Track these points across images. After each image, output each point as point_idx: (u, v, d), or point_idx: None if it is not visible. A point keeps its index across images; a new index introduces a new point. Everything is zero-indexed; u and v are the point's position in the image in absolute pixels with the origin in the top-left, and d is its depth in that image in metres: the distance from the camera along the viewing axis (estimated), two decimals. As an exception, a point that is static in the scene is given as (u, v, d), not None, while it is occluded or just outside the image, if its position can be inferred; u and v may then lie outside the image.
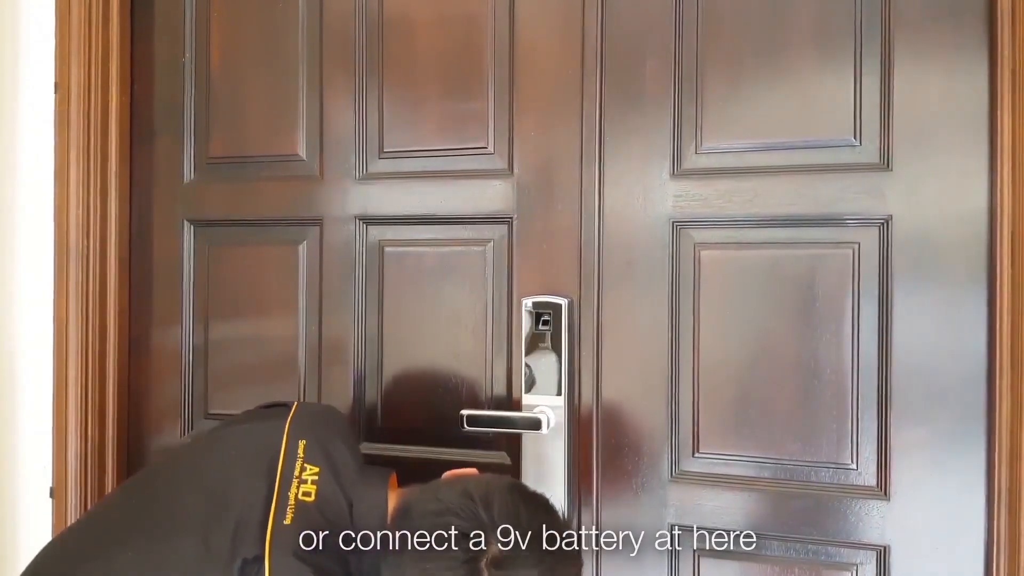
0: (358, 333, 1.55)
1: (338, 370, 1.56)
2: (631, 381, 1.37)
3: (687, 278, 1.35)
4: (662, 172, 1.36)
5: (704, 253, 1.35)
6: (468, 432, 1.43)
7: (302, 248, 1.60)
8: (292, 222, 1.59)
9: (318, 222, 1.58)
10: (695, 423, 1.34)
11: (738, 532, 1.31)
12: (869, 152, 1.27)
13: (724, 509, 1.32)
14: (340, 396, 1.56)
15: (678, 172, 1.36)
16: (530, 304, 1.40)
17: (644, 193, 1.37)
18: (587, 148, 1.40)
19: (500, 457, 1.45)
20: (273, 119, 1.61)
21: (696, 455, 1.34)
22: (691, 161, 1.35)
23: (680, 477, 1.35)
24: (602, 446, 1.38)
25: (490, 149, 1.46)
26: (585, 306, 1.39)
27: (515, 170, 1.45)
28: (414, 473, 1.50)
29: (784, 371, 1.30)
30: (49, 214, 1.65)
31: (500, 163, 1.46)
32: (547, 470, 1.38)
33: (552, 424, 1.36)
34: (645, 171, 1.37)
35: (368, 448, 1.54)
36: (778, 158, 1.31)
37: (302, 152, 1.60)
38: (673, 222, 1.36)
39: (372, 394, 1.54)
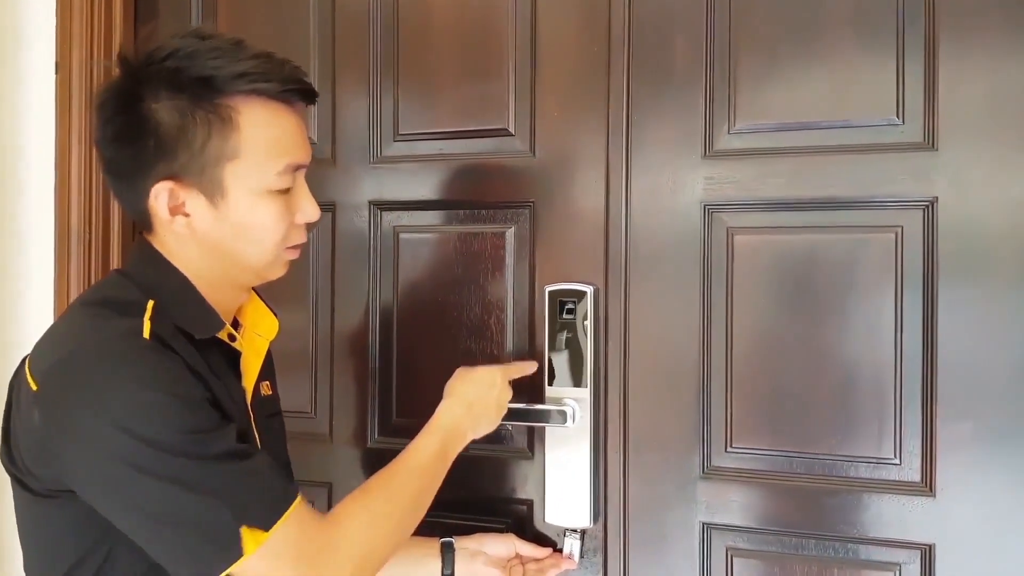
0: (372, 324, 1.49)
1: (352, 363, 1.50)
2: (660, 372, 1.31)
3: (719, 264, 1.29)
4: (693, 154, 1.30)
5: (738, 238, 1.28)
6: (488, 426, 1.37)
7: (314, 235, 1.54)
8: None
9: (331, 208, 1.52)
10: (727, 416, 1.28)
11: (773, 530, 1.25)
12: (912, 131, 1.21)
13: (758, 506, 1.26)
14: (354, 389, 1.50)
15: (710, 153, 1.29)
16: (553, 292, 1.34)
17: (674, 175, 1.30)
18: (613, 129, 1.34)
19: (521, 451, 1.39)
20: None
21: (728, 450, 1.28)
22: (724, 142, 1.29)
23: (712, 473, 1.29)
24: (629, 440, 1.32)
25: (511, 130, 1.40)
26: (611, 294, 1.33)
27: (537, 153, 1.38)
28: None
29: (822, 361, 1.23)
30: (51, 197, 1.59)
31: (521, 145, 1.39)
32: (571, 465, 1.32)
33: (578, 417, 1.30)
34: (675, 152, 1.31)
35: (383, 443, 1.48)
36: (816, 138, 1.24)
37: (314, 135, 1.54)
38: (705, 206, 1.29)
39: (387, 387, 1.48)
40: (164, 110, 0.97)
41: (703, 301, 1.29)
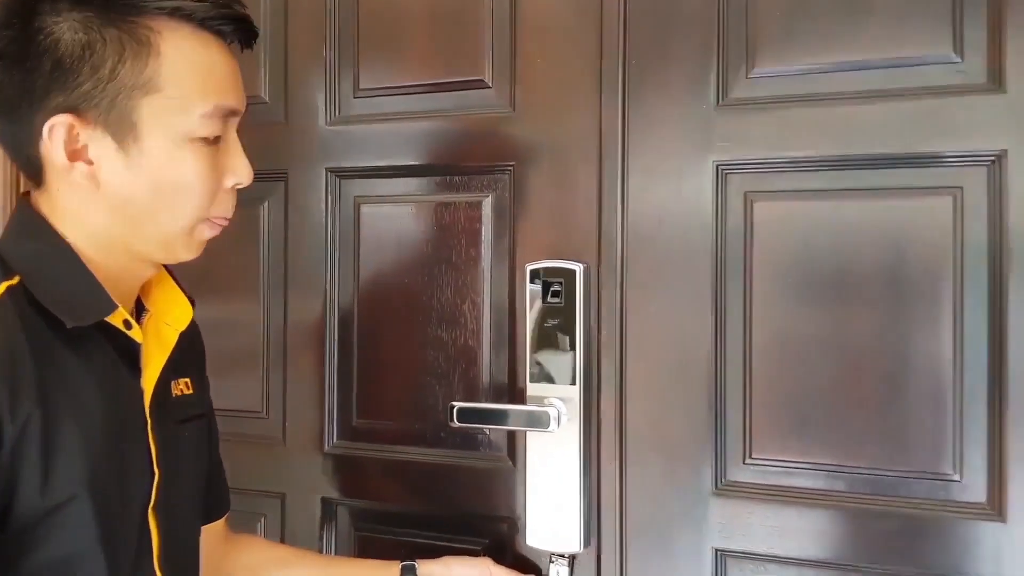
0: (330, 311, 1.28)
1: (307, 356, 1.30)
2: (664, 368, 1.08)
3: (735, 236, 1.06)
4: (703, 103, 1.07)
5: (758, 206, 1.06)
6: (460, 429, 1.16)
7: (264, 209, 1.33)
8: (254, 176, 1.31)
9: (283, 176, 1.31)
10: (746, 421, 1.06)
11: (802, 560, 1.02)
12: (974, 71, 0.98)
13: (784, 530, 1.03)
14: (309, 387, 1.29)
15: (724, 102, 1.07)
16: (536, 271, 1.12)
17: (680, 130, 1.08)
18: (607, 75, 1.11)
19: (500, 460, 1.18)
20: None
21: (747, 461, 1.06)
22: (740, 89, 1.06)
23: (727, 489, 1.06)
24: (627, 449, 1.10)
25: (487, 81, 1.18)
26: (606, 273, 1.11)
27: (517, 107, 1.16)
28: (396, 479, 1.23)
29: (862, 356, 1.01)
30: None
31: (499, 99, 1.18)
32: (557, 478, 1.10)
33: (563, 421, 1.08)
34: (681, 102, 1.08)
35: (342, 448, 1.27)
36: (853, 81, 1.02)
37: (264, 93, 1.33)
38: (718, 165, 1.07)
39: (346, 384, 1.27)
40: (66, 25, 0.78)
41: (716, 282, 1.07)
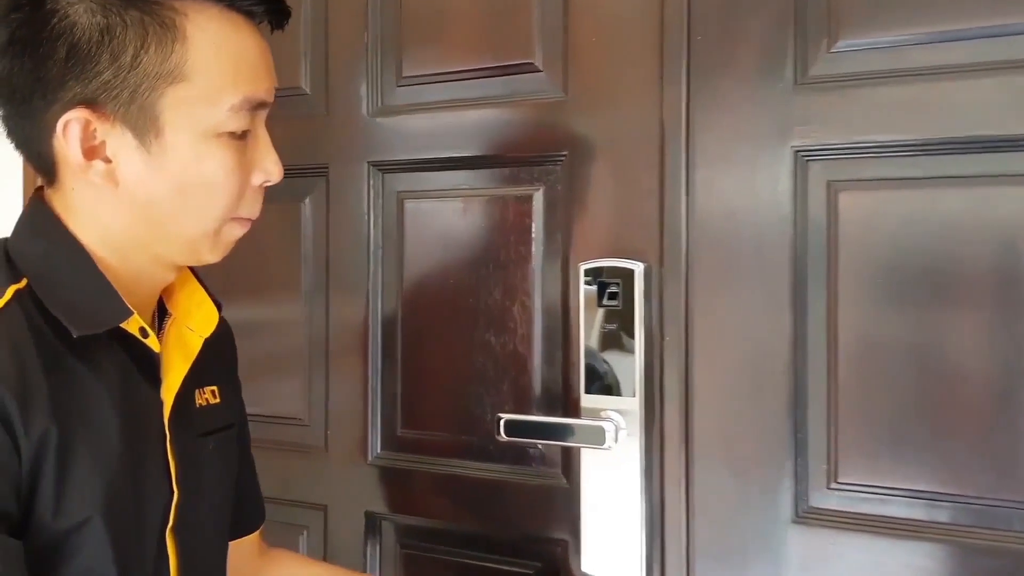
0: (373, 313, 1.20)
1: (350, 361, 1.22)
2: (736, 379, 0.97)
3: (817, 230, 0.94)
4: (779, 81, 0.96)
5: (844, 197, 0.94)
6: (509, 442, 1.06)
7: (305, 206, 1.26)
8: (294, 172, 1.24)
9: (324, 171, 1.24)
10: (831, 440, 0.94)
11: (896, 599, 0.90)
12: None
13: (875, 566, 0.91)
14: (353, 394, 1.22)
15: (803, 81, 0.95)
16: (591, 271, 1.02)
17: (753, 113, 0.96)
18: (669, 54, 1.00)
19: (553, 477, 1.08)
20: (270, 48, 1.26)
21: (833, 486, 0.94)
22: (821, 65, 0.94)
23: (808, 516, 0.95)
24: (694, 468, 0.99)
25: (538, 64, 1.09)
26: (669, 273, 1.00)
27: (570, 91, 1.06)
28: (442, 494, 1.15)
29: (968, 367, 0.88)
30: None
31: (550, 83, 1.08)
32: (615, 500, 1.00)
33: (621, 436, 0.98)
34: (754, 81, 0.96)
35: (386, 459, 1.19)
36: (952, 53, 0.89)
37: (305, 84, 1.26)
38: (797, 152, 0.95)
39: (390, 392, 1.19)
40: (82, 7, 0.71)
41: (795, 282, 0.95)
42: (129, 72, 0.71)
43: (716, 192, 0.98)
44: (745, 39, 0.97)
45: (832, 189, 0.94)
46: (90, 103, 0.71)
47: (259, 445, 1.26)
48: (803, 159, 0.95)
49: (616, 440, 0.97)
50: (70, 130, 0.72)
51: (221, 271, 1.33)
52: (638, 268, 1.00)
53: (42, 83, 0.72)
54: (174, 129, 0.73)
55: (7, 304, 0.71)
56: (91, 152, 0.73)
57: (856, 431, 0.93)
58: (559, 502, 1.07)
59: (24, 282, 0.73)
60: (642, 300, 1.00)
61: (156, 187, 0.74)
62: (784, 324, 0.95)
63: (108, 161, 0.73)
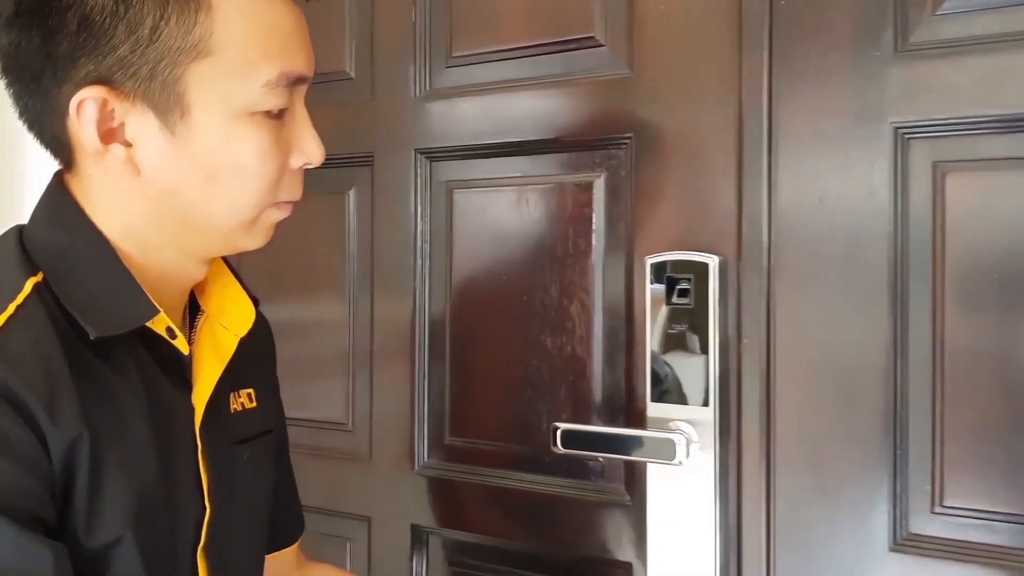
0: (420, 313, 1.12)
1: (394, 364, 1.14)
2: (824, 385, 0.86)
3: (920, 218, 0.83)
4: (875, 49, 0.84)
5: (951, 178, 0.82)
6: (566, 454, 0.97)
7: (349, 197, 1.19)
8: (338, 160, 1.17)
9: (369, 160, 1.16)
10: (935, 457, 0.82)
11: (1014, 643, 0.78)
12: None
13: (989, 604, 0.79)
14: (398, 398, 1.14)
15: (903, 48, 0.83)
16: (659, 265, 0.92)
17: (845, 85, 0.85)
18: (748, 21, 0.90)
19: (615, 493, 0.98)
20: (313, 31, 1.19)
21: (937, 510, 0.82)
22: (925, 29, 0.83)
23: (908, 545, 0.83)
24: (775, 487, 0.88)
25: (599, 39, 0.99)
26: (747, 268, 0.89)
27: (635, 67, 0.96)
28: (493, 508, 1.06)
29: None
30: None
31: (614, 58, 0.98)
32: (686, 520, 0.89)
33: (693, 451, 0.88)
34: (846, 49, 0.85)
35: (433, 469, 1.11)
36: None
37: (350, 68, 1.18)
38: (896, 128, 0.83)
39: (438, 396, 1.11)
40: None
41: (894, 277, 0.83)
42: (148, 47, 0.64)
43: (802, 176, 0.87)
44: (832, 6, 0.86)
45: (938, 171, 0.82)
46: (106, 81, 0.64)
47: (300, 451, 1.19)
48: (904, 137, 0.83)
49: (687, 454, 0.86)
50: (84, 110, 0.65)
51: (260, 266, 1.27)
52: (712, 262, 0.89)
53: (52, 59, 0.65)
54: (201, 108, 0.65)
55: (27, 299, 0.64)
56: (109, 135, 0.66)
57: (964, 448, 0.81)
58: (622, 521, 0.97)
59: (40, 275, 0.66)
60: (716, 298, 0.89)
61: (182, 173, 0.67)
62: (881, 326, 0.84)
63: (128, 145, 0.66)
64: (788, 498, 0.88)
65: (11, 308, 0.63)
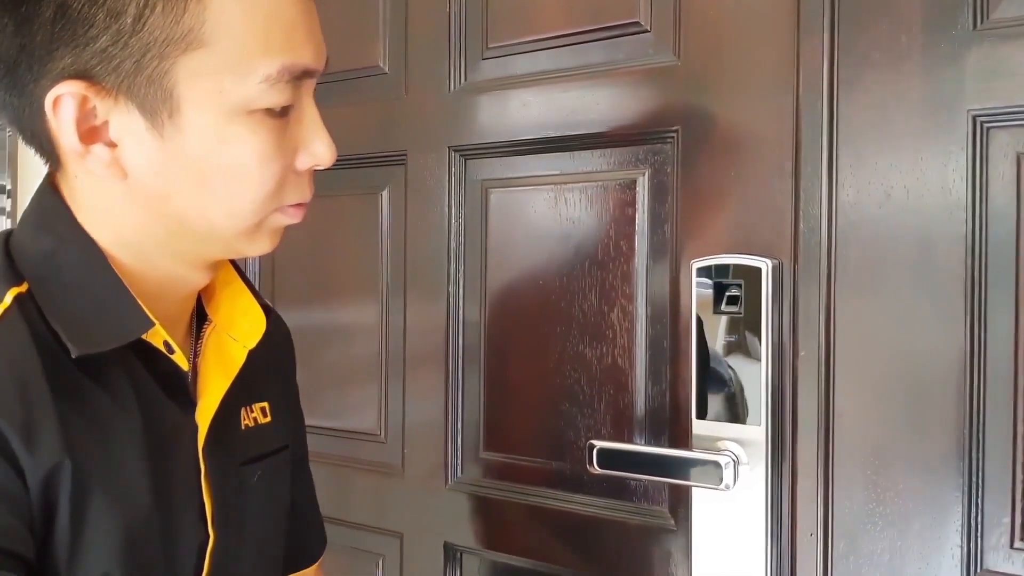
0: (452, 318, 1.06)
1: (427, 373, 1.08)
2: (890, 404, 0.77)
3: (1003, 216, 0.74)
4: (950, 28, 0.75)
5: (1038, 171, 0.73)
6: (605, 473, 0.90)
7: (382, 198, 1.14)
8: (371, 159, 1.12)
9: (402, 158, 1.10)
10: (1016, 488, 0.73)
11: None
12: None
13: (1082, 657, 0.69)
14: (431, 409, 1.08)
15: (983, 26, 0.74)
16: (707, 269, 0.84)
17: (915, 69, 0.77)
18: (806, 4, 0.82)
19: (658, 516, 0.91)
20: (346, 25, 1.14)
21: (1018, 546, 0.73)
22: (1008, 5, 0.74)
23: (987, 585, 0.74)
24: (834, 514, 0.80)
25: (644, 24, 0.92)
26: (804, 273, 0.81)
27: (683, 54, 0.89)
28: (529, 527, 0.99)
29: None
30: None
31: (660, 45, 0.91)
32: (735, 549, 0.81)
33: (743, 473, 0.80)
34: (916, 28, 0.77)
35: (466, 484, 1.05)
36: None
37: (384, 63, 1.13)
38: (975, 117, 0.74)
39: (471, 408, 1.05)
40: None
41: (972, 282, 0.75)
42: (131, 37, 0.57)
43: (866, 171, 0.79)
44: (902, -17, 0.77)
45: (1023, 163, 0.73)
46: (86, 75, 0.58)
47: (332, 461, 1.15)
48: (983, 126, 0.74)
49: (735, 478, 0.79)
50: (61, 107, 0.59)
51: (291, 268, 1.23)
52: (765, 266, 0.81)
53: (27, 50, 0.59)
54: (193, 106, 0.59)
55: (6, 312, 0.59)
56: (91, 135, 0.60)
57: (1054, 477, 0.72)
58: (665, 547, 0.90)
59: (25, 286, 0.61)
60: (770, 305, 0.81)
61: (173, 177, 0.61)
62: (955, 338, 0.75)
63: (112, 146, 0.60)
64: (847, 528, 0.79)
65: (7, 299, 0.59)
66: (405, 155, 1.10)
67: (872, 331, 0.78)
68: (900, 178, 0.77)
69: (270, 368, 0.76)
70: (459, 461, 1.07)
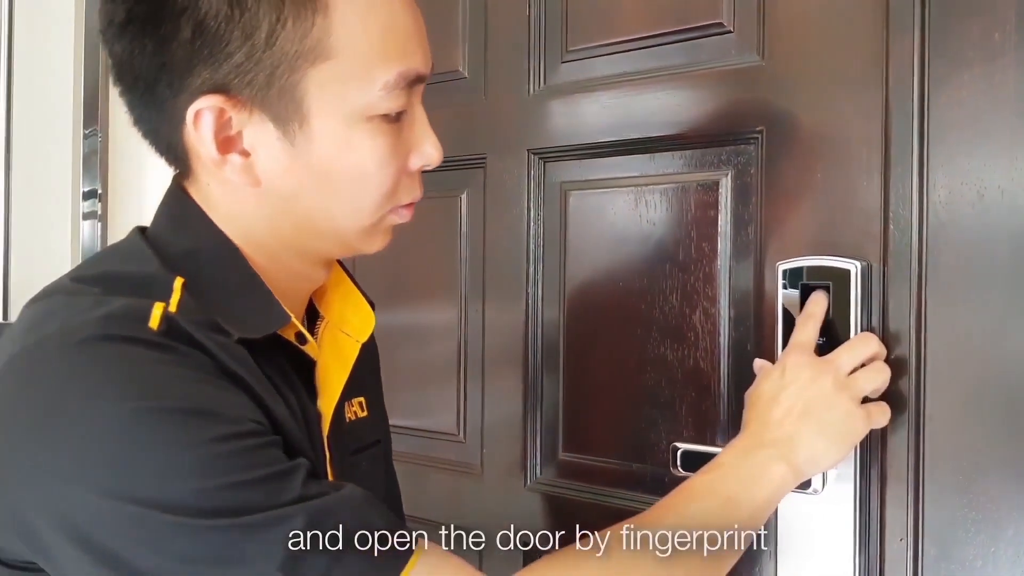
0: (531, 319, 1.07)
1: (506, 373, 1.09)
2: (987, 410, 0.76)
3: (1109, 218, 0.71)
4: (1051, 24, 0.73)
5: None
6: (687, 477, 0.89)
7: (461, 201, 1.15)
8: (450, 163, 1.13)
9: (482, 161, 1.12)
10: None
11: None
12: None
13: None
14: (510, 409, 1.09)
15: (1086, 20, 0.72)
16: (793, 271, 0.83)
17: (1011, 66, 0.75)
18: (896, 1, 0.80)
19: (742, 520, 0.89)
20: (427, 32, 1.16)
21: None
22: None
23: (1091, 598, 0.71)
24: (925, 522, 0.78)
25: (727, 24, 0.92)
26: (895, 276, 0.80)
27: (767, 54, 0.88)
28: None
29: None
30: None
31: (743, 45, 0.90)
32: (823, 556, 0.81)
33: (831, 478, 0.79)
34: (1010, 29, 0.75)
35: (545, 486, 1.06)
36: None
37: (463, 67, 1.15)
38: (1076, 114, 0.72)
39: (551, 408, 1.06)
40: None
41: (1074, 286, 0.72)
42: (264, 52, 0.62)
43: (960, 170, 0.77)
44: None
45: None
46: (223, 89, 0.62)
47: (412, 460, 1.17)
48: (1086, 124, 0.72)
49: (823, 484, 0.78)
50: (202, 121, 0.63)
51: (374, 270, 1.26)
52: (854, 268, 0.80)
53: (167, 68, 0.63)
54: (320, 115, 0.63)
55: (182, 298, 0.62)
56: (227, 144, 0.64)
57: None
58: (749, 552, 0.89)
59: (181, 280, 0.64)
60: (859, 309, 0.80)
61: (302, 180, 0.65)
62: (1056, 341, 0.73)
63: (246, 155, 0.65)
64: (939, 536, 0.77)
65: (177, 289, 0.62)
66: (484, 158, 1.12)
67: (965, 335, 0.77)
68: (994, 178, 0.75)
69: (365, 366, 0.80)
70: (538, 461, 1.07)
